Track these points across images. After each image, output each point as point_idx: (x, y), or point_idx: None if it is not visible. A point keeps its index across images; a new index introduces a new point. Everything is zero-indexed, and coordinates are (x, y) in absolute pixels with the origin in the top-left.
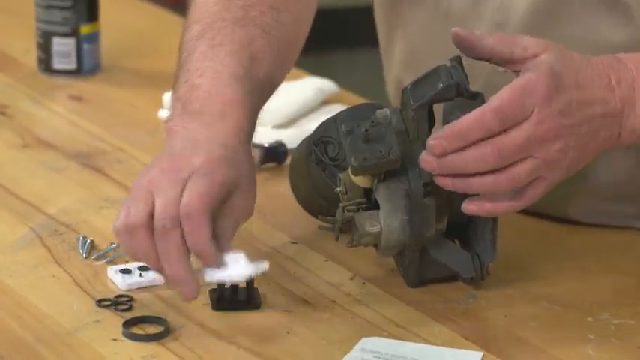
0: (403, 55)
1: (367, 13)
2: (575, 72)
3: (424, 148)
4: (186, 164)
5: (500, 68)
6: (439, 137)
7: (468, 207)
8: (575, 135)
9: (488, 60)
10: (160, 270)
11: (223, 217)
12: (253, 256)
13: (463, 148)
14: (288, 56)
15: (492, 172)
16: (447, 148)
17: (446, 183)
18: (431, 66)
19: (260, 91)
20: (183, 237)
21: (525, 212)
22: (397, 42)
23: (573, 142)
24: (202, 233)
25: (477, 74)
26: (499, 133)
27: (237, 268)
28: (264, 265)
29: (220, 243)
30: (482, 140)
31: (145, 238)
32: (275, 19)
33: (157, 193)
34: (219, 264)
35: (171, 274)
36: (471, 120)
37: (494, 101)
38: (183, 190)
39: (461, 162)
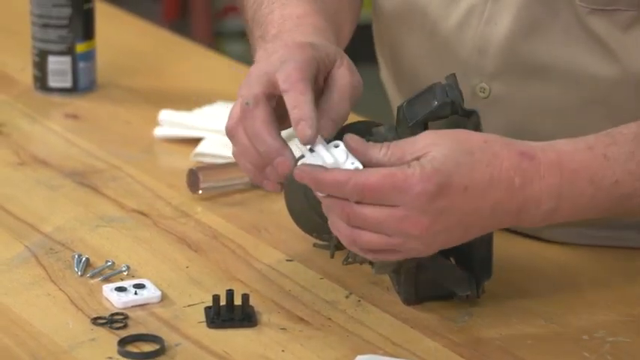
0: (394, 74)
1: (364, 30)
2: (468, 171)
3: None
4: (268, 60)
5: (480, 94)
6: (306, 172)
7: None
8: (448, 231)
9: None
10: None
11: (326, 92)
12: (248, 274)
13: None
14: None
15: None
16: (307, 183)
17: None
18: (420, 86)
19: (332, 17)
20: (269, 114)
21: (509, 231)
22: (389, 61)
23: (442, 238)
24: (302, 98)
25: None
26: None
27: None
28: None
29: (327, 117)
30: None
31: (241, 134)
32: None
33: (242, 91)
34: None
35: (264, 149)
36: (333, 179)
37: (363, 177)
38: (269, 78)
39: (325, 203)
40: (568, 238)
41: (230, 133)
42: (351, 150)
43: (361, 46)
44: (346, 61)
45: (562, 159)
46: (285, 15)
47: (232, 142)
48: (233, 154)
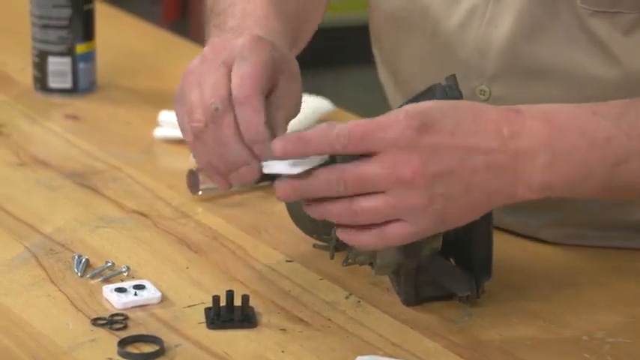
0: (393, 75)
1: (362, 31)
2: (454, 119)
3: None
4: (227, 46)
5: (480, 95)
6: (285, 139)
7: (338, 233)
8: (445, 184)
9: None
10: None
11: (272, 106)
12: (248, 275)
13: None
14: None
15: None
16: (291, 151)
17: (307, 209)
18: (420, 87)
19: (291, 18)
20: (237, 122)
21: (509, 232)
22: (388, 63)
23: (442, 190)
24: (257, 116)
25: None
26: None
27: (296, 161)
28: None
29: (272, 134)
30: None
31: (208, 138)
32: None
33: (201, 80)
34: (272, 154)
35: (231, 158)
36: (318, 132)
37: (349, 123)
38: (228, 71)
39: (312, 184)
40: (567, 239)
41: (199, 134)
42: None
43: (359, 47)
44: (291, 73)
45: (547, 114)
46: (247, 10)
47: (198, 141)
48: (188, 142)
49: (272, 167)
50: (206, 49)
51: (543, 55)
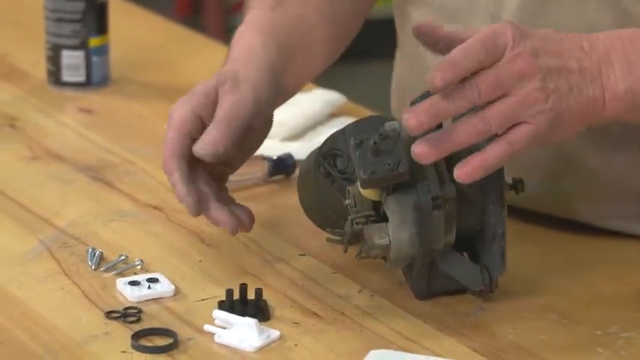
0: (404, 57)
1: (375, 25)
2: (542, 34)
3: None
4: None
5: None
6: (437, 70)
7: (459, 172)
8: (553, 80)
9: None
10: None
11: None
12: (261, 269)
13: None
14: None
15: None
16: (450, 78)
17: (429, 152)
18: (429, 66)
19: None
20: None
21: (531, 215)
22: (400, 44)
23: (553, 85)
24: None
25: None
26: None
27: (249, 335)
28: (275, 334)
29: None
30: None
31: None
32: None
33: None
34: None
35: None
36: (458, 52)
37: (473, 37)
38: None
39: (444, 102)
40: (604, 218)
41: None
42: (421, 30)
43: (372, 41)
44: (229, 86)
45: (616, 32)
46: (236, 37)
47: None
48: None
49: (223, 338)
50: None
51: (555, 16)
